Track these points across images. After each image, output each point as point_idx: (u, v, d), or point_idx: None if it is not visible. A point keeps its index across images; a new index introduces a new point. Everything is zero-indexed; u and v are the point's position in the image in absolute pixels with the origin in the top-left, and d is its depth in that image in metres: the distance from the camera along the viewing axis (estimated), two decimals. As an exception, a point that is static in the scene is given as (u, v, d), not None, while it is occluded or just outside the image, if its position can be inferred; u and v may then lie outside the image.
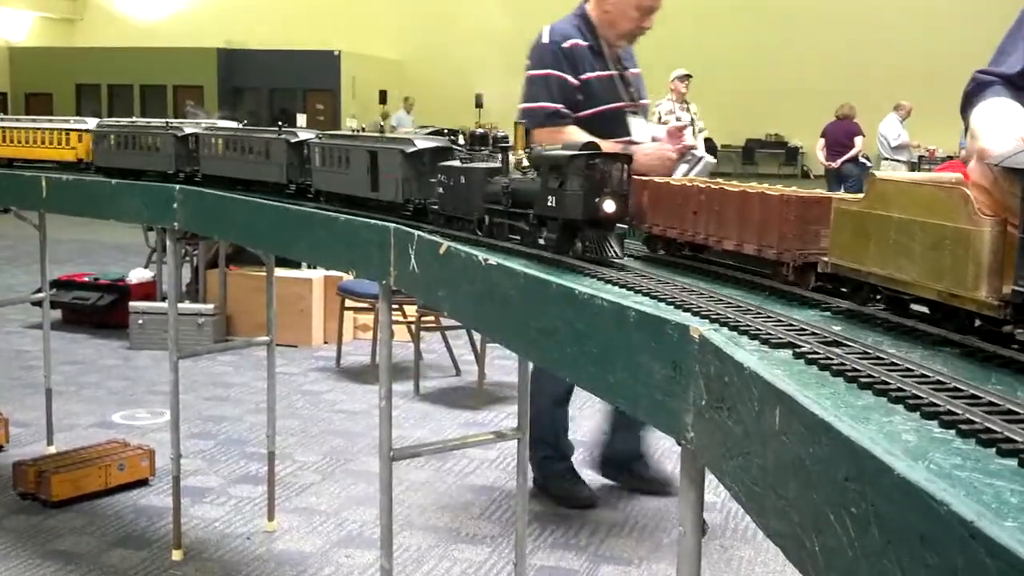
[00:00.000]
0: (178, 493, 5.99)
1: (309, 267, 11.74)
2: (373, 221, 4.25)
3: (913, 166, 13.39)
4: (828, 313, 2.62)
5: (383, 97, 25.59)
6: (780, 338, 2.40)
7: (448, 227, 4.09)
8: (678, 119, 13.66)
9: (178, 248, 6.40)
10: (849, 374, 2.08)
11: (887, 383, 1.98)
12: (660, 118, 13.47)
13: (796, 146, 23.79)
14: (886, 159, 16.87)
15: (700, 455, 2.29)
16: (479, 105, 23.45)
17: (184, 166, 5.80)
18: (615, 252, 3.16)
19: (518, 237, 3.65)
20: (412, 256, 3.82)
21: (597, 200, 3.12)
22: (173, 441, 5.97)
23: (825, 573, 1.59)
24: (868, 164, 16.64)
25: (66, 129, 6.67)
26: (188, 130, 5.87)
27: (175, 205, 5.47)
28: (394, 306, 4.63)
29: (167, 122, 6.22)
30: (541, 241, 3.44)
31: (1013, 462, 1.60)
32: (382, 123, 23.65)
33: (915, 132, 14.10)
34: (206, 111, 18.04)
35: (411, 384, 9.57)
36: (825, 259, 2.63)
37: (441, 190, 4.12)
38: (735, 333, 2.51)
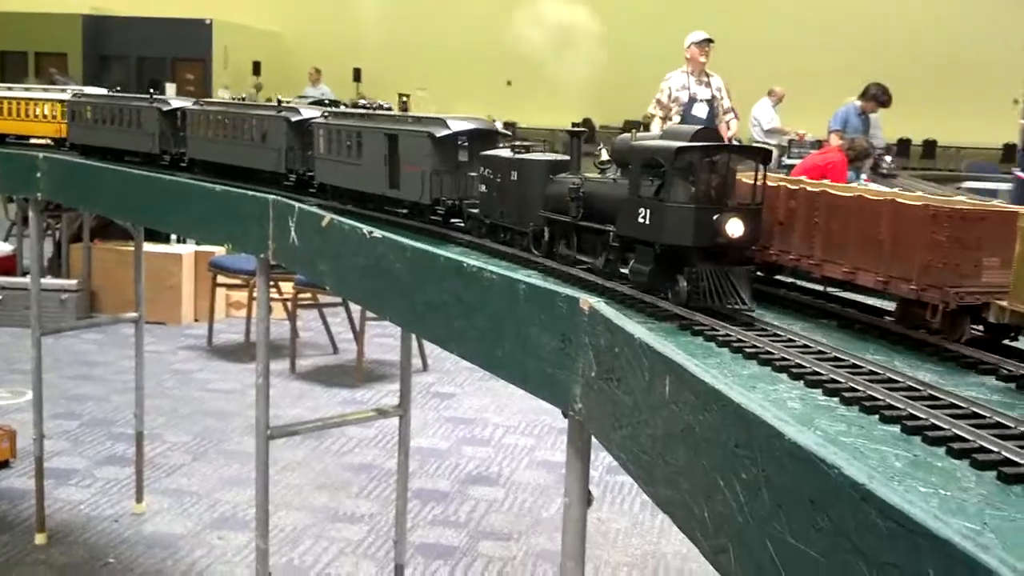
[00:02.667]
0: (41, 475, 5.74)
1: (179, 241, 11.39)
2: (252, 192, 4.12)
3: (783, 150, 13.80)
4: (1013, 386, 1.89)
5: (256, 68, 24.97)
6: (666, 311, 2.43)
7: (491, 239, 3.24)
8: (692, 97, 10.57)
9: (41, 220, 6.10)
10: (735, 344, 2.12)
11: (771, 352, 2.02)
12: (670, 95, 10.55)
13: (672, 129, 24.34)
14: (758, 142, 17.41)
15: (588, 426, 2.30)
16: (358, 79, 23.13)
17: (170, 147, 4.95)
18: (740, 299, 2.23)
19: (590, 261, 2.73)
20: (292, 228, 3.72)
21: (716, 218, 2.22)
22: (35, 421, 5.71)
23: (714, 538, 1.61)
24: (741, 147, 17.13)
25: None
26: (175, 104, 4.95)
27: (38, 174, 5.20)
28: (269, 283, 4.47)
29: (151, 93, 5.26)
30: (625, 271, 2.53)
31: (896, 428, 1.65)
32: (256, 95, 23.06)
33: (785, 118, 14.53)
34: (71, 78, 17.26)
35: (287, 363, 9.39)
36: (1002, 304, 1.81)
37: (483, 188, 3.22)
38: (623, 306, 2.53)
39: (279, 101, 4.44)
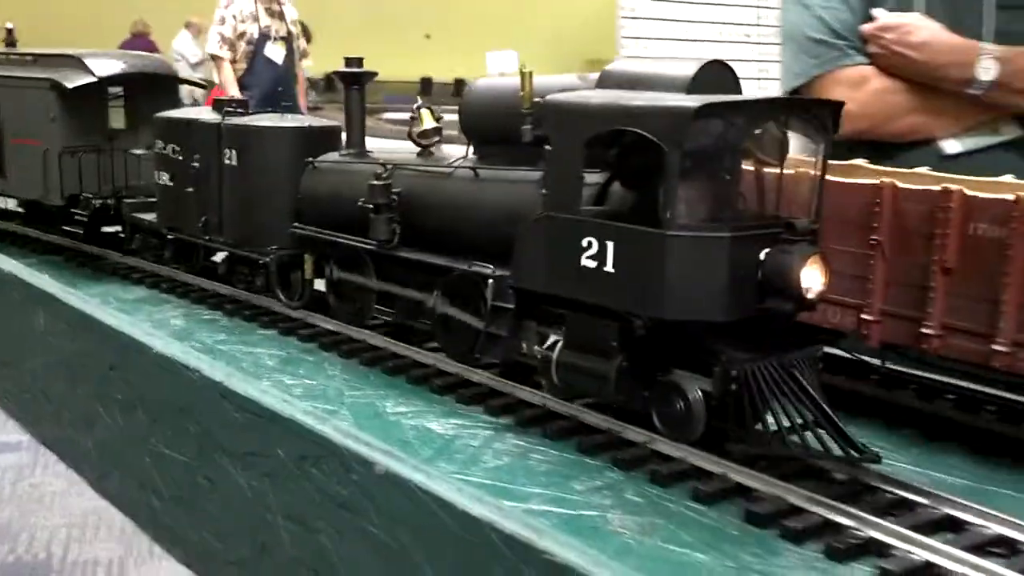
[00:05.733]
0: None
1: None
2: None
3: (210, 83, 13.60)
4: None
5: None
6: (53, 240, 2.29)
7: (184, 267, 1.99)
8: (264, 32, 7.48)
9: None
10: (123, 271, 2.08)
11: (159, 275, 2.01)
12: (236, 29, 7.32)
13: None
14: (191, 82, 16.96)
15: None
16: None
17: None
18: (836, 434, 1.26)
19: (424, 327, 1.62)
20: None
21: (769, 257, 1.23)
22: None
23: (98, 468, 1.57)
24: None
25: None
26: None
27: None
28: None
29: None
30: (525, 359, 1.46)
31: (274, 331, 1.73)
32: None
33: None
34: None
35: None
36: None
37: (165, 178, 1.97)
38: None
39: None
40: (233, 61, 7.30)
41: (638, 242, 1.22)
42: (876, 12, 2.38)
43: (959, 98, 2.39)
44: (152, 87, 2.21)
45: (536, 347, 1.40)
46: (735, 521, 1.18)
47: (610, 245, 1.25)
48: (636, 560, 1.07)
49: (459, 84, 19.52)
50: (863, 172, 1.54)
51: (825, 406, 1.24)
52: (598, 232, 1.27)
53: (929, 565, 1.12)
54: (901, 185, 1.42)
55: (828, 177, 1.33)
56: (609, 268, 1.25)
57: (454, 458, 1.23)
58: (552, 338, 1.37)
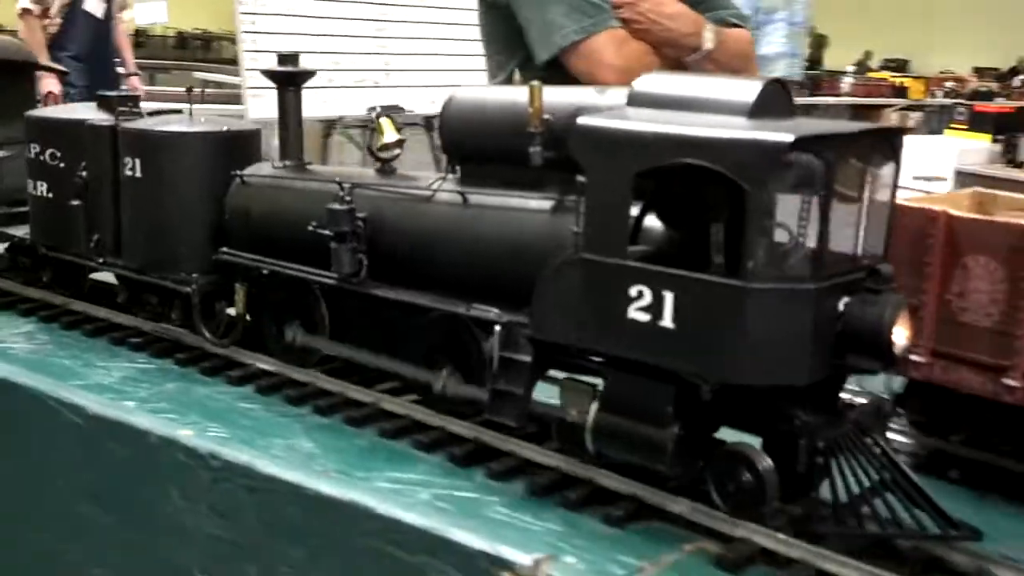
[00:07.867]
0: None
1: None
2: None
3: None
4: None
5: None
6: None
7: (69, 291, 1.92)
8: None
9: None
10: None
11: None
12: None
13: None
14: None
15: None
16: None
17: None
18: (936, 514, 1.20)
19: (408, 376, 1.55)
20: None
21: (860, 310, 1.19)
22: None
23: None
24: None
25: None
26: None
27: None
28: None
29: None
30: (517, 415, 1.36)
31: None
32: None
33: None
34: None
35: None
36: None
37: (42, 188, 1.82)
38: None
39: None
40: (43, 17, 6.50)
41: (708, 295, 1.12)
42: None
43: (670, 63, 2.94)
44: (5, 75, 1.95)
45: (567, 409, 1.28)
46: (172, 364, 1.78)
47: (668, 296, 1.14)
48: (71, 378, 1.59)
49: (137, 34, 17.09)
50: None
51: (910, 474, 1.18)
52: (652, 280, 1.15)
53: None
54: None
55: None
56: (667, 323, 1.14)
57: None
58: (574, 394, 1.27)
